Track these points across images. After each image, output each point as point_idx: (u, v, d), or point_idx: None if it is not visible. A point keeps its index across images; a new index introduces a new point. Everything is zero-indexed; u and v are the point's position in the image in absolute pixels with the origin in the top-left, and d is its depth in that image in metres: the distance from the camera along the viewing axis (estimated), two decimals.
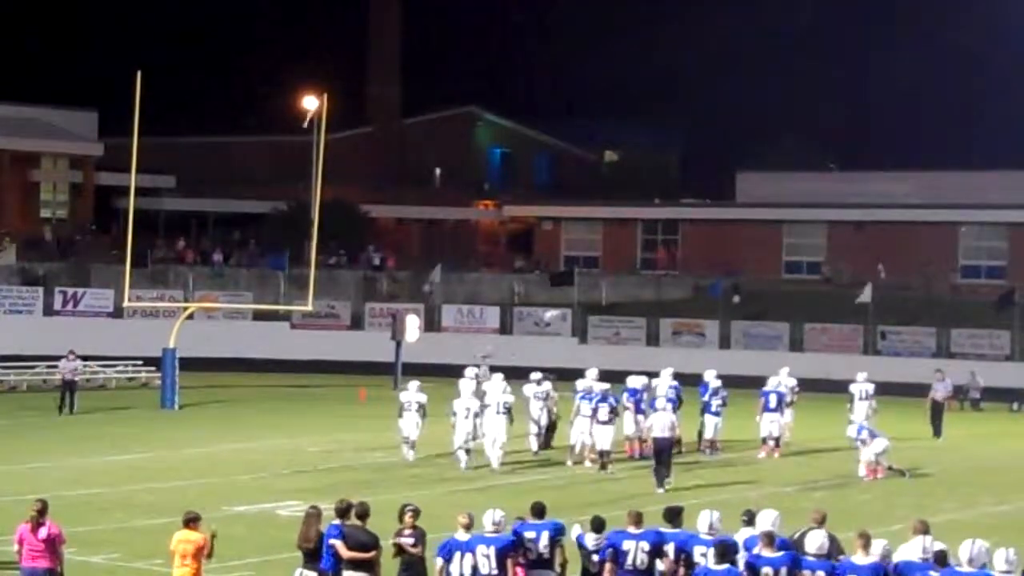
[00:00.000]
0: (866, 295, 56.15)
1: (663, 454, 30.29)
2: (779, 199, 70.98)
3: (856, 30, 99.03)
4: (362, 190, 72.14)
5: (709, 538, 16.31)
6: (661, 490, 29.38)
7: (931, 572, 15.35)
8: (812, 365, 51.94)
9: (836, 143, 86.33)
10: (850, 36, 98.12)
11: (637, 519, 16.86)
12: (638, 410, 34.03)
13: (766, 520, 16.46)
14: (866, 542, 15.73)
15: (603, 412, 32.20)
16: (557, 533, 16.96)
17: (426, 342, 53.99)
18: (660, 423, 30.70)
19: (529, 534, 16.85)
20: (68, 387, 42.94)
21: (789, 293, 63.56)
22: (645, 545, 16.58)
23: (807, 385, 42.92)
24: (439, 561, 16.41)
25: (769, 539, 15.88)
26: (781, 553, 15.75)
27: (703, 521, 16.59)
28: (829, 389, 45.96)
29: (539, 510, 17.35)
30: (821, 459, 35.48)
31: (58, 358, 44.67)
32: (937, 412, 41.90)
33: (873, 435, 32.23)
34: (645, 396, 34.32)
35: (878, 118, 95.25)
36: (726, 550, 15.73)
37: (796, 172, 74.42)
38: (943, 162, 72.49)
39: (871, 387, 37.69)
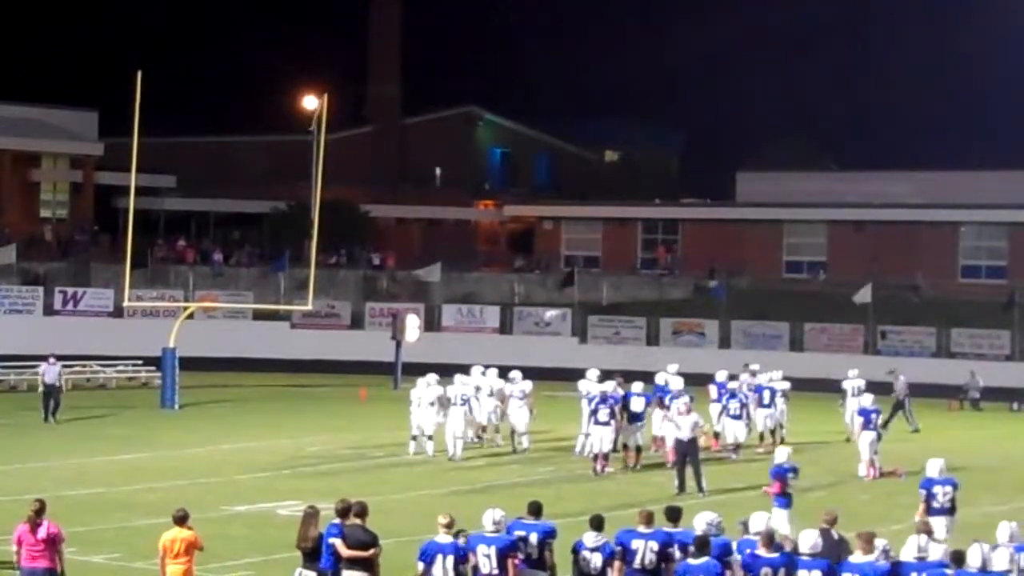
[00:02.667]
0: (864, 295, 55.98)
1: (689, 456, 30.05)
2: (779, 199, 70.90)
3: (856, 30, 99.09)
4: (362, 190, 72.12)
5: None
6: (684, 492, 29.21)
7: (947, 571, 15.40)
8: (812, 365, 51.97)
9: (836, 143, 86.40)
10: (850, 36, 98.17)
11: (648, 518, 16.71)
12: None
13: (759, 522, 16.42)
14: (866, 541, 15.71)
15: (602, 413, 31.97)
16: (546, 536, 16.86)
17: (426, 342, 53.93)
18: (685, 424, 30.49)
19: (520, 533, 16.80)
20: (48, 392, 40.73)
21: (789, 293, 63.49)
22: (654, 545, 16.49)
23: (807, 385, 42.82)
24: (420, 565, 16.15)
25: (768, 539, 15.85)
26: (778, 553, 15.74)
27: (698, 523, 16.51)
28: (829, 389, 45.88)
29: (535, 509, 17.30)
30: (820, 459, 35.41)
31: (59, 358, 42.67)
32: (898, 409, 42.07)
33: (868, 422, 32.29)
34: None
35: (878, 118, 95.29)
36: (703, 544, 15.75)
37: (796, 172, 74.41)
38: (943, 162, 72.43)
39: (862, 383, 37.66)
